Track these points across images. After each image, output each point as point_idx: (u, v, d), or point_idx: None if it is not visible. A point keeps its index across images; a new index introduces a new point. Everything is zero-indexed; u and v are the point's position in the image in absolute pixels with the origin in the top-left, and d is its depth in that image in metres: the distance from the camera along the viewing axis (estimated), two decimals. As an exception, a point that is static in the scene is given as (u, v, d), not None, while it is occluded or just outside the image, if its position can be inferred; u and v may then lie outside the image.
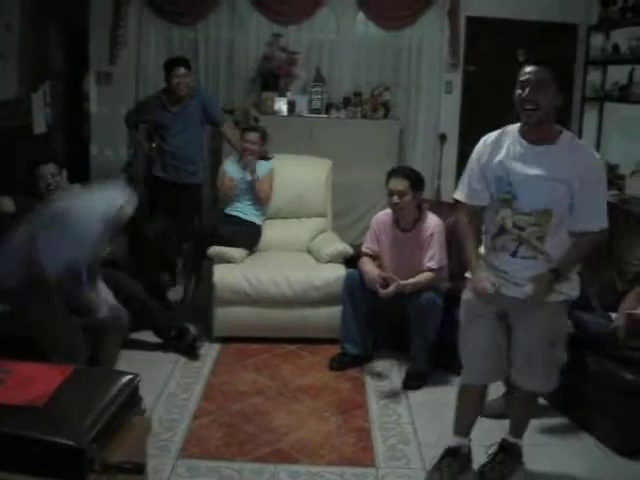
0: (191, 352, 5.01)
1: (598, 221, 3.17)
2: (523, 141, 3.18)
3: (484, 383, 3.60)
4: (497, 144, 3.26)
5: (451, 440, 3.62)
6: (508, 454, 3.63)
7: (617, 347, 3.91)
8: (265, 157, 5.91)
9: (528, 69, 3.10)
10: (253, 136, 5.83)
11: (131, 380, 2.45)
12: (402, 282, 4.55)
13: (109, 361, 4.16)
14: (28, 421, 2.08)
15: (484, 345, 3.42)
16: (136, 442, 2.43)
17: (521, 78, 3.12)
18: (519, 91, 3.12)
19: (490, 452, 3.66)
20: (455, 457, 3.57)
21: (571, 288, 3.32)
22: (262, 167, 5.84)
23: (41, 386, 2.25)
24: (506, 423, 3.73)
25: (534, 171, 3.12)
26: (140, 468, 2.18)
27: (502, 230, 3.26)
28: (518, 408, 3.67)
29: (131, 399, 2.41)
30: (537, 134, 3.16)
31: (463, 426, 3.63)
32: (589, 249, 3.25)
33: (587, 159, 3.14)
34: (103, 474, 2.06)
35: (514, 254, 3.25)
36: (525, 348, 3.36)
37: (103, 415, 2.18)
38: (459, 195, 3.43)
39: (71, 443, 2.01)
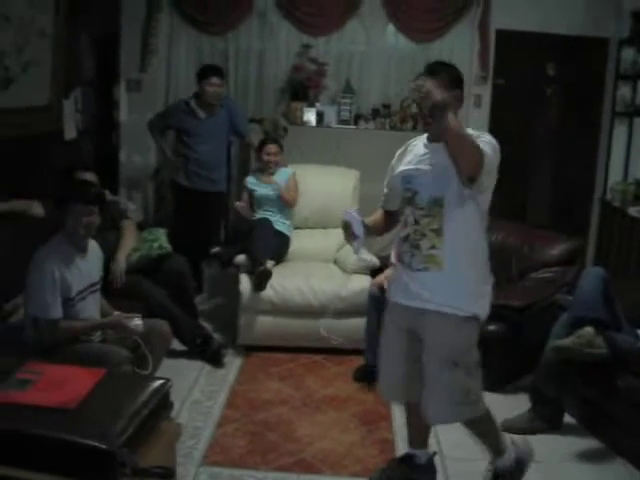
0: (216, 360, 5.02)
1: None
2: (426, 142, 3.23)
3: (394, 400, 3.59)
4: (403, 152, 3.34)
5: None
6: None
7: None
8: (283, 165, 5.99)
9: (418, 82, 3.11)
10: (273, 147, 5.90)
11: (162, 385, 2.46)
12: None
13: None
14: (60, 423, 2.08)
15: (390, 355, 3.41)
16: (166, 447, 2.43)
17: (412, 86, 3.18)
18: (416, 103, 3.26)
19: None
20: (407, 464, 3.57)
21: (474, 305, 3.18)
22: (283, 174, 5.90)
23: (73, 388, 2.26)
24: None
25: (426, 164, 3.15)
26: (170, 473, 2.19)
27: (403, 239, 3.25)
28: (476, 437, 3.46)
29: (162, 404, 2.42)
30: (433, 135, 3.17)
31: (412, 438, 3.59)
32: (471, 144, 2.95)
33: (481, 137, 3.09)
34: (134, 478, 2.06)
35: (409, 265, 3.21)
36: (425, 367, 3.21)
37: (134, 419, 2.18)
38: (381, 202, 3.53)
39: (103, 446, 2.02)
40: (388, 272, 4.64)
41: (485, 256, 3.26)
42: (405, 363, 3.32)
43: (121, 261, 4.85)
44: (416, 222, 3.17)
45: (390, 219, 3.47)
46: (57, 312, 3.67)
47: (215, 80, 5.98)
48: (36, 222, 4.45)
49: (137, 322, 3.89)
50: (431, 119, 3.01)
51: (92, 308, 3.96)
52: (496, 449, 3.40)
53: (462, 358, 3.16)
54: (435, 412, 3.22)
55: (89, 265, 3.93)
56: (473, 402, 3.20)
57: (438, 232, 3.12)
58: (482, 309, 3.22)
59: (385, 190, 3.45)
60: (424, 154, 3.19)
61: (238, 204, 5.88)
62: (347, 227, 3.30)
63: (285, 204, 5.82)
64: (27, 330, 3.74)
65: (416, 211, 3.17)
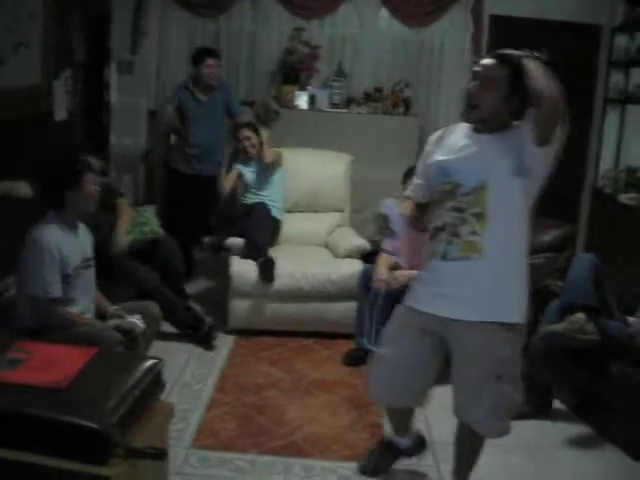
0: (207, 342, 5.02)
1: None
2: (469, 131, 2.97)
3: (391, 405, 3.40)
4: (439, 139, 3.10)
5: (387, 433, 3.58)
6: None
7: (638, 352, 3.88)
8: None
9: (483, 61, 2.90)
10: (246, 132, 5.88)
11: (155, 364, 2.44)
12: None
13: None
14: (50, 403, 2.07)
15: (401, 361, 3.14)
16: (159, 427, 2.42)
17: (475, 68, 2.93)
18: (469, 83, 2.92)
19: None
20: (389, 450, 3.58)
21: (517, 307, 2.93)
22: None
23: (63, 368, 2.24)
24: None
25: (470, 155, 2.90)
26: (163, 453, 2.17)
27: (439, 228, 2.97)
28: (461, 445, 3.28)
29: (155, 383, 2.40)
30: (478, 127, 2.94)
31: (395, 426, 3.54)
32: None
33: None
34: (126, 458, 2.04)
35: (444, 256, 2.94)
36: (464, 380, 3.00)
37: (127, 398, 2.16)
38: (407, 192, 3.37)
39: (95, 426, 2.00)
40: (401, 272, 4.61)
41: (526, 251, 2.99)
42: (420, 370, 3.13)
43: (122, 235, 4.91)
44: (456, 209, 2.90)
45: (420, 211, 3.22)
46: (57, 290, 3.66)
47: (211, 62, 6.05)
48: (23, 202, 4.42)
49: (137, 323, 3.90)
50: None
51: (88, 284, 3.96)
52: (464, 474, 3.28)
53: (507, 371, 2.94)
54: (471, 419, 3.05)
55: (82, 240, 3.93)
56: (512, 416, 3.08)
57: (480, 217, 2.86)
58: (516, 316, 2.94)
59: (417, 180, 3.21)
60: (465, 145, 2.93)
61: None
62: (384, 221, 3.12)
63: (264, 165, 5.83)
64: (21, 310, 3.72)
65: (456, 201, 2.91)
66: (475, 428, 3.06)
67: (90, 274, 3.98)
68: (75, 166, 3.81)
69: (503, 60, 2.82)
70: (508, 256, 2.91)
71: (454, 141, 3.00)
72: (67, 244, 3.74)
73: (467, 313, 2.90)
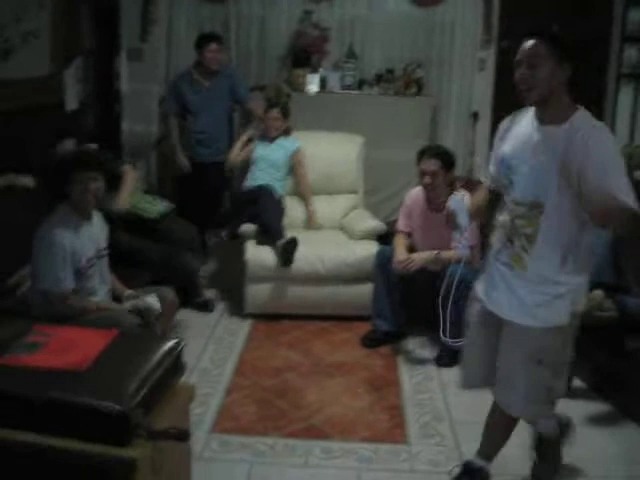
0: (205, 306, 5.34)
1: (614, 198, 2.60)
2: (535, 121, 2.85)
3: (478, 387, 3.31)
4: (507, 128, 3.01)
5: (473, 457, 3.34)
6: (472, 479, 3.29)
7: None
8: (287, 132, 6.02)
9: (521, 46, 2.81)
10: (274, 112, 5.93)
11: (176, 345, 2.43)
12: (433, 252, 4.60)
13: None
14: (72, 385, 2.06)
15: (474, 345, 3.20)
16: (180, 409, 2.41)
17: (517, 57, 2.83)
18: (516, 71, 2.83)
19: (453, 475, 3.35)
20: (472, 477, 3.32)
21: (559, 315, 2.88)
22: (289, 143, 5.97)
23: (83, 350, 2.24)
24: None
25: (531, 155, 2.81)
26: (185, 435, 2.17)
27: (500, 225, 2.98)
28: (492, 427, 3.27)
29: (175, 365, 2.39)
30: (543, 113, 2.81)
31: (486, 448, 3.32)
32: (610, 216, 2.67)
33: (597, 144, 2.69)
34: (148, 439, 2.05)
35: (496, 256, 3.00)
36: (505, 359, 3.01)
37: (148, 380, 2.16)
38: (482, 176, 3.27)
39: (116, 408, 2.00)
40: (418, 254, 4.66)
41: (581, 258, 2.87)
42: (489, 351, 3.10)
43: (124, 196, 5.03)
44: (512, 215, 2.89)
45: (495, 199, 3.08)
46: (69, 284, 3.69)
47: (213, 46, 6.09)
48: (29, 193, 4.44)
49: (153, 302, 3.90)
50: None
51: (102, 274, 3.97)
52: (491, 454, 3.28)
53: (549, 357, 2.92)
54: (510, 403, 3.04)
55: (96, 230, 3.94)
56: (551, 402, 3.06)
57: (530, 238, 2.84)
58: (562, 317, 2.89)
59: (490, 167, 3.10)
60: (530, 140, 2.83)
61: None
62: (453, 216, 3.13)
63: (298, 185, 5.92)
64: (35, 303, 3.73)
65: (512, 205, 2.89)
66: (506, 409, 3.06)
67: (104, 263, 3.99)
68: (67, 158, 3.83)
69: (538, 35, 2.77)
70: (554, 271, 2.86)
71: (518, 132, 2.92)
72: (78, 237, 3.76)
73: (511, 316, 2.95)
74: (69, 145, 4.98)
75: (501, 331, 3.01)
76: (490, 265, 3.06)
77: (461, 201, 3.14)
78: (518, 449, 3.42)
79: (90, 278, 3.82)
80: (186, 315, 5.03)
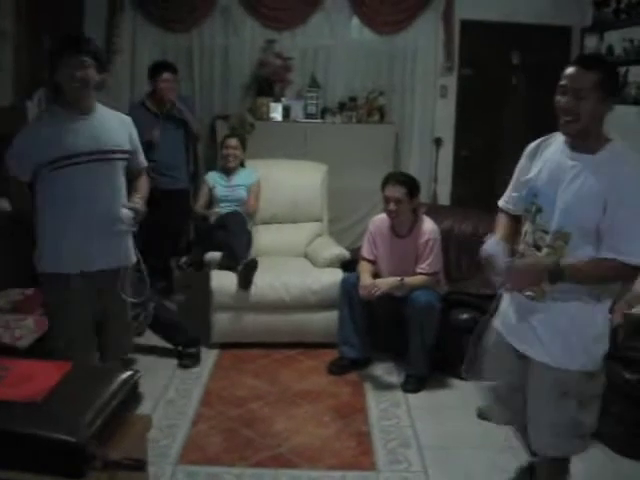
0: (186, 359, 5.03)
1: (630, 253, 2.60)
2: (566, 149, 2.77)
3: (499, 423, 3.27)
4: (535, 153, 2.94)
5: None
6: None
7: (617, 348, 3.87)
8: (242, 164, 6.01)
9: (567, 71, 2.69)
10: (232, 141, 5.94)
11: (131, 376, 2.43)
12: (397, 279, 4.60)
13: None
14: (27, 417, 2.05)
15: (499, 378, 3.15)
16: (136, 439, 2.40)
17: (561, 82, 2.71)
18: (558, 97, 2.73)
19: None
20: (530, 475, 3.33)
21: (577, 357, 2.78)
22: (248, 177, 5.94)
23: (39, 382, 2.23)
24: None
25: (561, 184, 2.72)
26: (141, 464, 2.16)
27: (521, 253, 2.90)
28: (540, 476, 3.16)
29: (131, 396, 2.39)
30: (578, 143, 2.74)
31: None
32: (609, 274, 2.69)
33: (631, 176, 2.62)
34: (104, 471, 2.03)
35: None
36: (530, 395, 2.92)
37: (103, 411, 2.15)
38: (500, 202, 3.15)
39: (71, 439, 1.98)
40: (383, 280, 4.68)
41: (606, 292, 2.79)
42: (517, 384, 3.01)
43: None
44: (535, 245, 2.82)
45: (516, 224, 3.03)
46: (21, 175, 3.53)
47: (167, 76, 5.90)
48: (4, 216, 4.40)
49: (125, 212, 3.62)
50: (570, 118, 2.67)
51: (110, 177, 3.63)
52: None
53: (575, 389, 2.80)
54: (534, 438, 2.96)
55: (97, 129, 3.58)
56: (581, 437, 2.90)
57: None
58: (595, 354, 2.81)
59: (513, 194, 3.05)
60: (560, 167, 2.76)
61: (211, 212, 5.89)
62: (490, 261, 2.85)
63: (247, 210, 5.84)
64: None
65: (537, 232, 2.81)
66: (532, 445, 3.00)
67: (113, 166, 3.63)
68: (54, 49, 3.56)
69: (588, 66, 2.66)
70: (569, 313, 2.79)
71: (548, 157, 2.85)
72: (65, 129, 3.47)
73: (531, 352, 2.88)
74: None
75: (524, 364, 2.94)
76: (510, 295, 2.98)
77: (498, 245, 2.88)
78: None
79: (70, 177, 3.46)
80: (152, 344, 4.99)
